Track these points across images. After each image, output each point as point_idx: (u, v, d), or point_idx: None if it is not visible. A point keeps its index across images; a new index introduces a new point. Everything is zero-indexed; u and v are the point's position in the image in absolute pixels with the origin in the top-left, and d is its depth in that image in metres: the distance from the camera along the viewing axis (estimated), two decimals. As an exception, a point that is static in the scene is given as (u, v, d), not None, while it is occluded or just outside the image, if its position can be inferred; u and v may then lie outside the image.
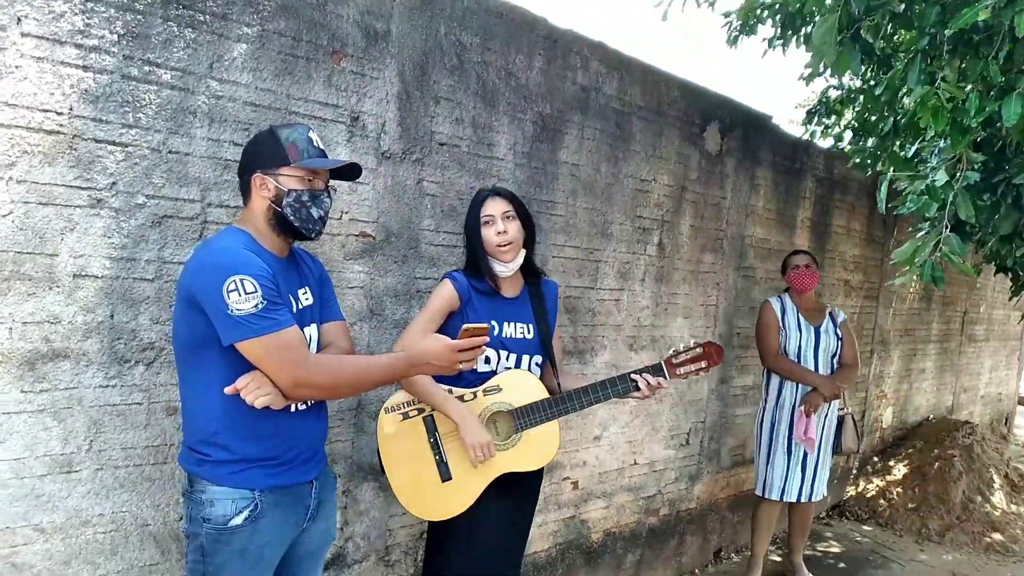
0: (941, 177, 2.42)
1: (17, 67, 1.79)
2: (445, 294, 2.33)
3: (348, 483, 2.58)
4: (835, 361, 3.96)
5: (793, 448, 3.89)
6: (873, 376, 5.85)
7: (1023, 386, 10.07)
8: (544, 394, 2.38)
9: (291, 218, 1.86)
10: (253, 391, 1.76)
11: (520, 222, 2.39)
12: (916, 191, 2.52)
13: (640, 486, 3.85)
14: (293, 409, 1.89)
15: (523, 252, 2.42)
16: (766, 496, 3.95)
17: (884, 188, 2.85)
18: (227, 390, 1.76)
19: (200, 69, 2.09)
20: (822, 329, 3.94)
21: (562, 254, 3.27)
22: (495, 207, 2.36)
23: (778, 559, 4.56)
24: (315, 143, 1.90)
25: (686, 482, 4.16)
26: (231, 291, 1.70)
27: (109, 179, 1.95)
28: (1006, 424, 9.15)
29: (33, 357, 1.87)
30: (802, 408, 3.83)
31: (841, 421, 4.02)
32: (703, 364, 2.45)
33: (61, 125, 1.86)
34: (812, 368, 3.88)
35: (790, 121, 4.97)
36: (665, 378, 2.42)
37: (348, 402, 2.55)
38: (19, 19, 1.78)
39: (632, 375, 2.41)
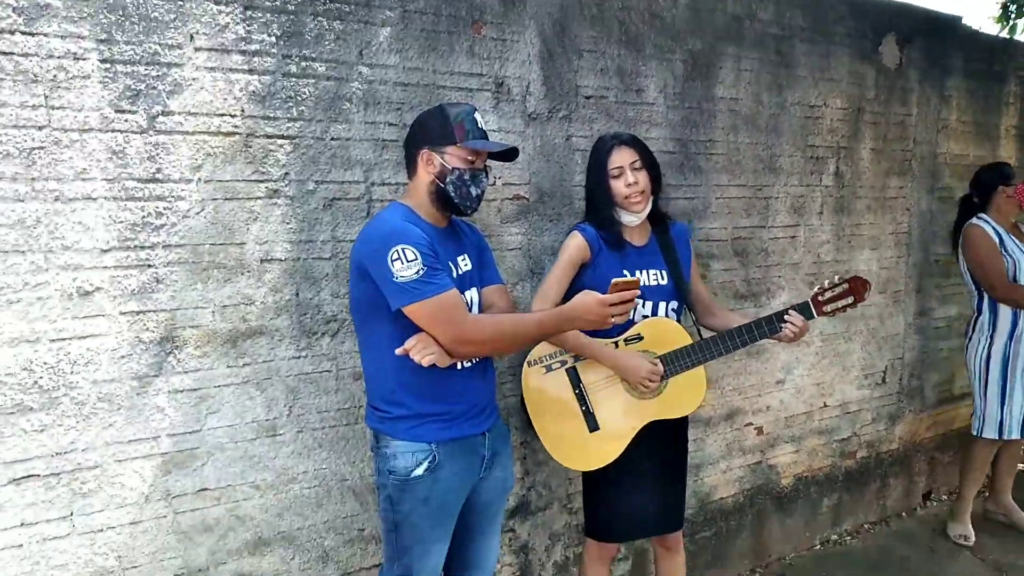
0: None
1: (194, 79, 2.00)
2: (576, 246, 2.34)
3: (525, 434, 2.69)
4: None
5: None
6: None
7: None
8: (687, 340, 2.36)
9: (452, 194, 1.98)
10: (420, 351, 1.89)
11: (647, 170, 2.35)
12: None
13: (832, 428, 3.68)
14: (459, 367, 2.01)
15: (651, 200, 2.38)
16: (1004, 436, 3.59)
17: None
18: (397, 351, 1.91)
19: (351, 57, 2.23)
20: None
21: (726, 194, 3.16)
22: (623, 157, 2.33)
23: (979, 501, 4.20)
24: (479, 124, 2.01)
25: (885, 422, 3.92)
26: (394, 260, 1.83)
27: (282, 170, 2.14)
28: None
29: (234, 335, 2.12)
30: None
31: None
32: (850, 300, 2.35)
33: (236, 126, 2.06)
34: None
35: (991, 19, 4.38)
36: (813, 316, 2.34)
37: (518, 358, 2.65)
38: (191, 36, 1.99)
39: (778, 316, 2.33)
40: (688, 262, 2.50)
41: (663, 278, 2.41)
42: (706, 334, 2.43)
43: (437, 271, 1.89)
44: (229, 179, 2.07)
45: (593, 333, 2.32)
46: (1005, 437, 3.59)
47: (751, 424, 3.36)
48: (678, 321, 2.44)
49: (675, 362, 2.34)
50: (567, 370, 2.35)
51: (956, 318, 4.15)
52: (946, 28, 3.84)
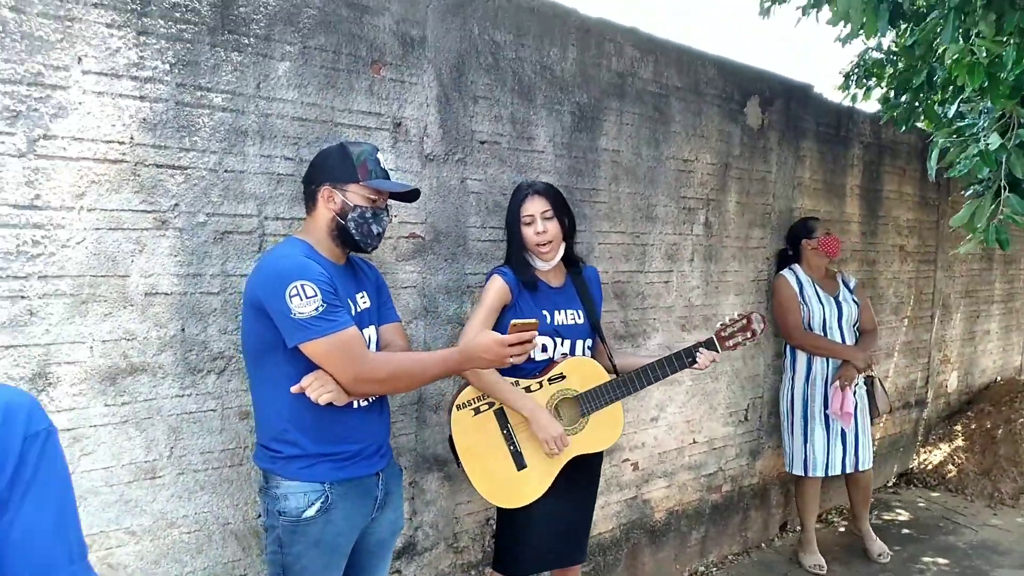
0: (994, 140, 2.39)
1: (80, 103, 1.91)
2: (497, 288, 2.42)
3: (414, 474, 2.68)
4: (856, 329, 3.93)
5: (831, 423, 3.87)
6: (935, 340, 5.74)
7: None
8: (606, 377, 2.47)
9: (353, 232, 1.99)
10: (317, 389, 1.87)
11: (558, 219, 2.45)
12: (969, 155, 2.50)
13: (701, 464, 3.88)
14: (356, 406, 1.99)
15: (563, 246, 2.49)
16: (809, 474, 3.92)
17: (934, 156, 2.82)
18: (293, 389, 1.88)
19: (248, 90, 2.19)
20: (840, 298, 3.92)
21: (608, 240, 3.31)
22: (535, 206, 2.43)
23: (843, 530, 4.55)
24: (381, 163, 2.04)
25: (747, 458, 4.17)
26: (293, 296, 1.81)
27: (171, 201, 2.07)
28: (1082, 382, 8.84)
29: (113, 372, 2.00)
30: (837, 384, 3.81)
31: (871, 385, 3.98)
32: (748, 334, 2.57)
33: (124, 154, 1.98)
34: (839, 340, 3.86)
35: (835, 88, 4.85)
36: (718, 351, 2.54)
37: (410, 397, 2.65)
38: (79, 58, 1.90)
39: (688, 351, 2.52)
40: (600, 302, 2.64)
41: (580, 317, 2.52)
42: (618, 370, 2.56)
43: (337, 308, 1.88)
44: (115, 208, 1.97)
45: (514, 372, 2.37)
46: (810, 475, 3.91)
47: (628, 460, 3.48)
48: (593, 357, 2.54)
49: (595, 399, 2.44)
50: (495, 411, 2.40)
51: (808, 360, 4.49)
52: (800, 94, 4.22)
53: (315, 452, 1.95)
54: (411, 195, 2.10)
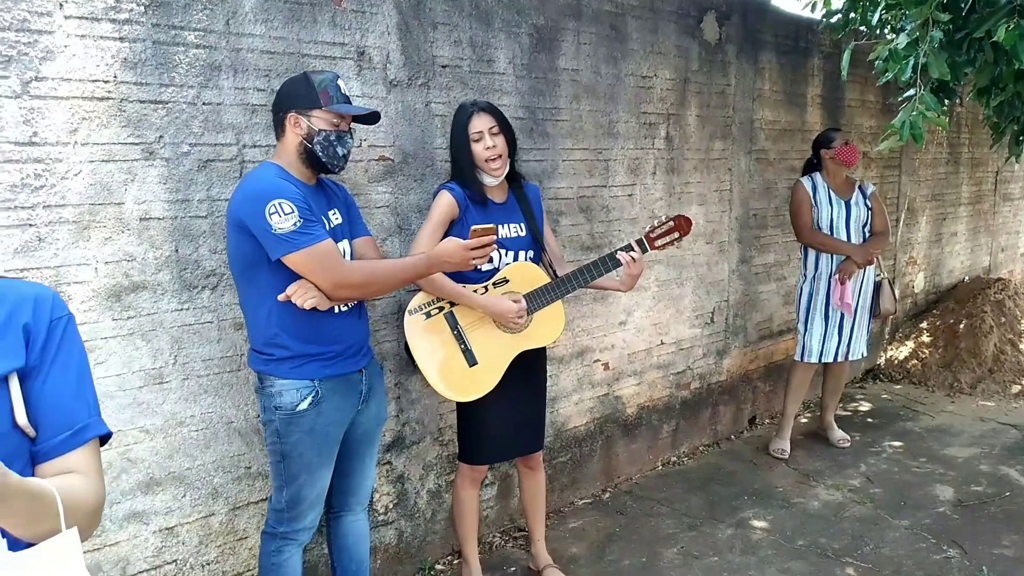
0: (902, 40, 2.58)
1: (66, 46, 2.09)
2: (445, 203, 2.60)
3: (399, 376, 2.95)
4: (866, 231, 4.19)
5: (830, 314, 4.19)
6: (900, 243, 5.99)
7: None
8: (546, 280, 2.70)
9: (320, 154, 2.19)
10: (301, 295, 2.11)
11: (504, 135, 2.62)
12: (881, 56, 2.69)
13: (669, 363, 4.17)
14: (337, 311, 2.24)
15: (508, 162, 2.66)
16: (804, 359, 4.26)
17: (846, 57, 3.03)
18: (280, 297, 2.13)
19: (219, 27, 2.37)
20: (852, 202, 4.16)
21: (571, 157, 3.51)
22: (482, 123, 2.58)
23: (807, 420, 4.88)
24: (342, 90, 2.22)
25: (714, 357, 4.46)
26: (272, 214, 2.03)
27: (156, 133, 2.27)
28: (1052, 279, 9.14)
29: (118, 290, 2.24)
30: (837, 276, 4.10)
31: (878, 286, 4.28)
32: (676, 235, 2.76)
33: (109, 91, 2.17)
34: (844, 239, 4.12)
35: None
36: (647, 250, 2.74)
37: (390, 307, 2.89)
38: (61, 4, 2.08)
39: (617, 252, 2.71)
40: (541, 217, 2.82)
41: (522, 230, 2.72)
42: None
43: (312, 222, 2.10)
44: (105, 142, 2.18)
45: (463, 279, 2.59)
46: (804, 360, 4.26)
47: (599, 360, 3.76)
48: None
49: (537, 299, 2.67)
50: (445, 315, 2.62)
51: (772, 264, 4.75)
52: (757, 7, 4.35)
53: (303, 352, 2.20)
54: (372, 117, 2.29)
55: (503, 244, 2.65)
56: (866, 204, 4.20)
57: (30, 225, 2.07)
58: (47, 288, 1.17)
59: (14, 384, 1.07)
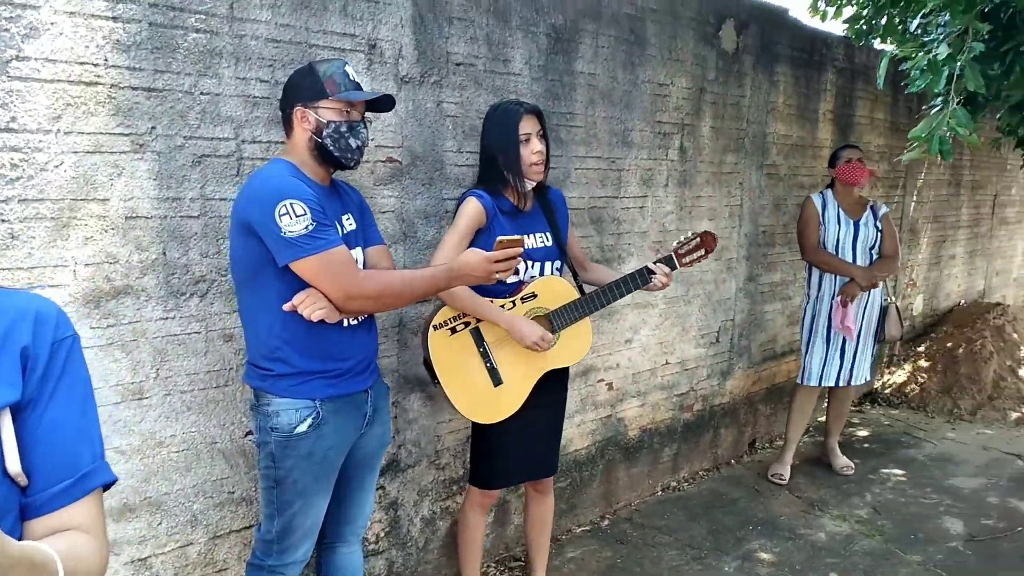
0: (943, 50, 2.43)
1: (52, 24, 1.88)
2: (472, 211, 2.43)
3: (396, 395, 2.75)
4: (874, 253, 4.04)
5: (832, 337, 4.04)
6: (903, 265, 5.88)
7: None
8: (575, 295, 2.54)
9: (331, 148, 1.99)
10: (309, 306, 1.91)
11: (546, 139, 2.49)
12: (919, 66, 2.55)
13: (673, 384, 4.00)
14: (346, 324, 2.04)
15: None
16: (804, 383, 4.12)
17: (884, 65, 2.88)
18: (285, 307, 1.92)
19: (222, 10, 2.16)
20: (861, 222, 4.01)
21: (584, 165, 3.33)
22: (531, 125, 2.43)
23: (811, 445, 4.74)
24: (351, 76, 2.02)
25: (718, 378, 4.30)
26: (283, 215, 1.84)
27: (148, 124, 2.06)
28: (1041, 304, 9.13)
29: (97, 295, 2.03)
30: (839, 298, 3.95)
31: (885, 310, 4.13)
32: (702, 252, 2.65)
33: (99, 76, 1.96)
34: (850, 260, 3.97)
35: (807, 9, 4.85)
36: (676, 267, 2.62)
37: (391, 320, 2.70)
38: (47, -25, 1.86)
39: (648, 267, 2.58)
40: (566, 225, 2.67)
41: (548, 240, 2.56)
42: (586, 288, 2.63)
43: (326, 227, 1.91)
44: (92, 131, 1.96)
45: (490, 292, 2.42)
46: (805, 383, 4.13)
47: (603, 380, 3.59)
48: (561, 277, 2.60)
49: (565, 316, 2.51)
50: (471, 331, 2.45)
51: (778, 283, 4.61)
52: (775, 18, 4.21)
53: (306, 369, 2.00)
54: (385, 102, 2.09)
55: (530, 255, 2.51)
56: (876, 225, 4.06)
57: (3, 221, 1.86)
58: (50, 302, 0.97)
59: (6, 422, 0.87)
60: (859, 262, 4.00)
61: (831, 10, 4.74)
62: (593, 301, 2.55)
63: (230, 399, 2.32)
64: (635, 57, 3.44)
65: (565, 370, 2.69)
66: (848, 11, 4.77)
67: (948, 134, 2.66)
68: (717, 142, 3.98)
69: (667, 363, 3.94)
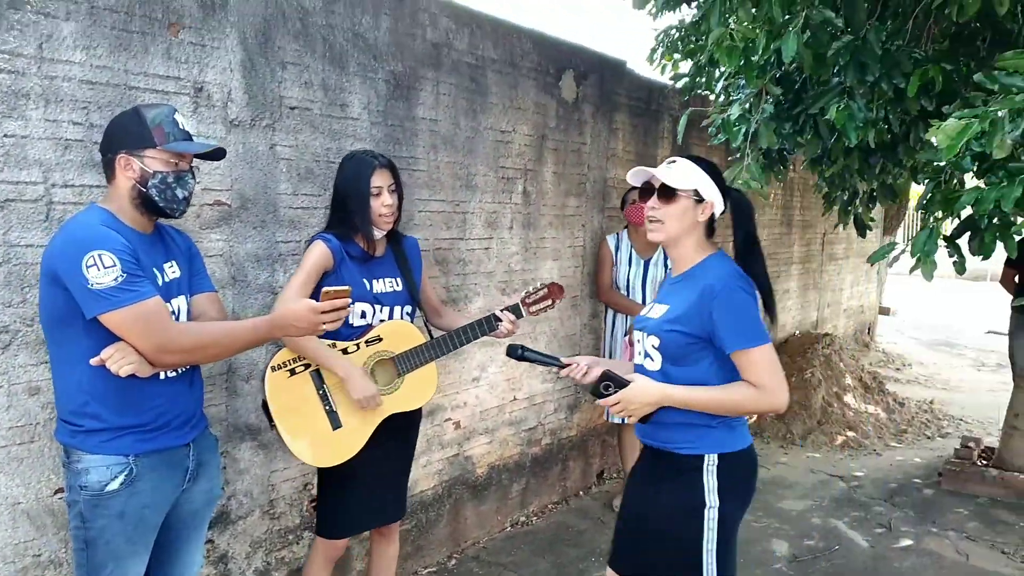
0: (735, 111, 2.69)
1: None
2: (318, 254, 2.43)
3: (226, 444, 2.67)
4: None
5: None
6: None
7: (883, 297, 10.95)
8: (421, 339, 2.57)
9: (156, 198, 1.94)
10: (118, 361, 1.84)
11: (399, 192, 2.55)
12: (716, 124, 2.80)
13: (521, 419, 4.09)
14: (163, 376, 1.98)
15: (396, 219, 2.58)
16: (610, 419, 4.27)
17: (683, 121, 3.15)
18: (92, 361, 1.85)
19: (29, 50, 2.08)
20: (651, 262, 4.21)
21: (428, 208, 3.39)
22: (383, 179, 2.48)
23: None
24: (180, 125, 1.97)
25: (566, 412, 4.43)
26: (90, 266, 1.78)
27: (-59, 167, 1.95)
28: (869, 333, 9.96)
29: None
30: (627, 337, 4.13)
31: None
32: (549, 302, 2.76)
33: None
34: (640, 299, 4.17)
35: (645, 60, 5.18)
36: (522, 316, 2.71)
37: (219, 367, 2.63)
38: None
39: (495, 314, 2.65)
40: (419, 272, 2.71)
41: (398, 285, 2.60)
42: (436, 333, 2.66)
43: (138, 278, 1.85)
44: None
45: (335, 334, 2.41)
46: (610, 420, 4.27)
47: (450, 419, 3.62)
48: (411, 322, 2.64)
49: (410, 360, 2.53)
50: (311, 372, 2.43)
51: (623, 320, 4.81)
52: (614, 69, 4.45)
53: (117, 425, 1.92)
54: (216, 154, 2.07)
55: (379, 300, 2.54)
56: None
57: None
58: None
59: None
60: (648, 300, 4.21)
61: (668, 64, 5.06)
62: (439, 346, 2.58)
63: (36, 456, 2.19)
64: (477, 105, 3.55)
65: (416, 415, 2.70)
66: (685, 65, 5.12)
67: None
68: (560, 186, 4.14)
69: (515, 399, 4.03)
